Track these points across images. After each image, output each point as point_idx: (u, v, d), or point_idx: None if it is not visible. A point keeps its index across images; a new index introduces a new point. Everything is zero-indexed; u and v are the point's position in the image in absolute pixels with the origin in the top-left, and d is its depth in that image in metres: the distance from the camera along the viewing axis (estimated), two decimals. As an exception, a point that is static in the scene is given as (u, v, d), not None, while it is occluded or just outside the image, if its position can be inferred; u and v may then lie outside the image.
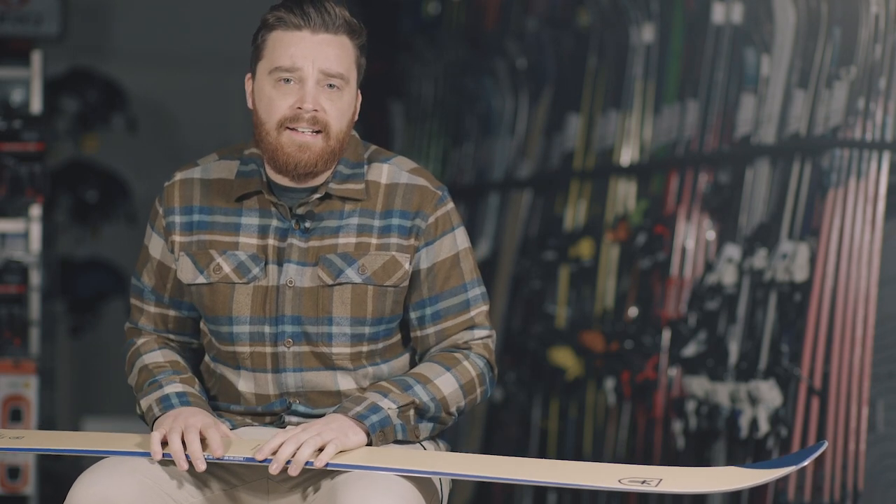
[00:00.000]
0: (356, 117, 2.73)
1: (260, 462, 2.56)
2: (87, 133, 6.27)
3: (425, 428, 2.68)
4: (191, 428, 2.57)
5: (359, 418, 2.60)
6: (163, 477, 2.58)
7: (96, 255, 6.71)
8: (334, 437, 2.56)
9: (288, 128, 2.64)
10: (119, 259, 6.69)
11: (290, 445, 2.54)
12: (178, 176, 2.79)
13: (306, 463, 2.53)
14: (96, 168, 6.53)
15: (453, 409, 2.70)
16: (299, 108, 2.64)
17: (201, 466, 2.54)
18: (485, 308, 2.78)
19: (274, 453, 2.54)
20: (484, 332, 2.77)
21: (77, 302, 6.61)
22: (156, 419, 2.65)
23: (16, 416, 4.97)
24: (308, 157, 2.65)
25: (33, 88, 5.15)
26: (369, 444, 2.60)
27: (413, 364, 2.81)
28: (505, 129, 5.55)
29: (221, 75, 7.05)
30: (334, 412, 2.63)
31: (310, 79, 2.64)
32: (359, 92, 2.73)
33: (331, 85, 2.65)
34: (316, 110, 2.64)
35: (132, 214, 6.50)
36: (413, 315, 2.76)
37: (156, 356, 2.78)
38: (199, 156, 2.82)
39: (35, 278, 5.11)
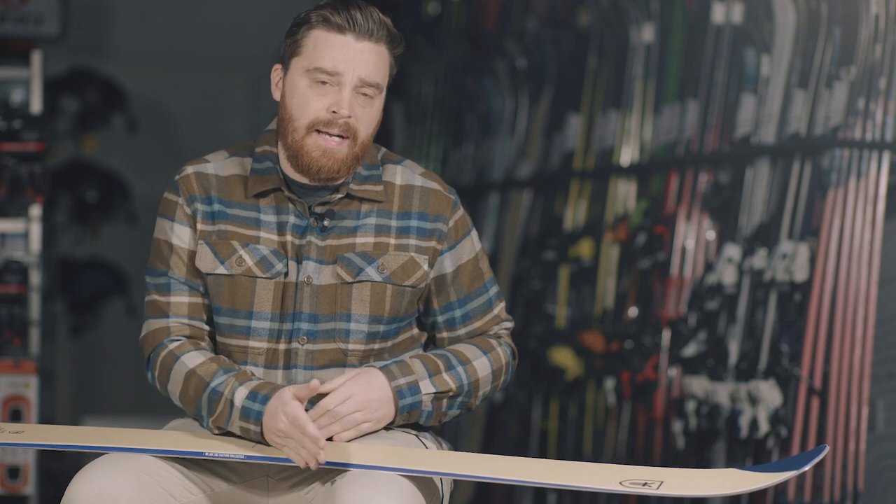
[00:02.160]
0: (379, 124, 2.74)
1: (259, 460, 2.57)
2: (86, 133, 6.27)
3: (452, 414, 2.74)
4: (282, 432, 2.57)
5: (398, 394, 2.65)
6: (161, 474, 2.59)
7: (96, 255, 6.71)
8: (372, 425, 2.64)
9: (318, 130, 2.65)
10: (119, 259, 6.69)
11: (337, 426, 2.60)
12: (190, 169, 2.76)
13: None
14: (96, 168, 6.53)
15: (480, 394, 2.76)
16: (334, 111, 2.64)
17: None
18: (503, 303, 2.86)
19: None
20: (509, 324, 2.86)
21: (77, 302, 6.60)
22: (261, 434, 2.62)
23: (16, 416, 4.96)
24: (332, 163, 2.66)
25: (33, 88, 5.14)
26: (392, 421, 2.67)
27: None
28: (505, 129, 5.54)
29: (221, 75, 7.04)
30: (381, 369, 2.67)
31: (348, 85, 2.64)
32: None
33: (365, 93, 2.66)
34: (349, 116, 2.65)
35: (132, 214, 6.50)
36: (441, 318, 2.80)
37: (196, 357, 2.70)
38: (198, 156, 2.80)
39: (35, 278, 5.10)
